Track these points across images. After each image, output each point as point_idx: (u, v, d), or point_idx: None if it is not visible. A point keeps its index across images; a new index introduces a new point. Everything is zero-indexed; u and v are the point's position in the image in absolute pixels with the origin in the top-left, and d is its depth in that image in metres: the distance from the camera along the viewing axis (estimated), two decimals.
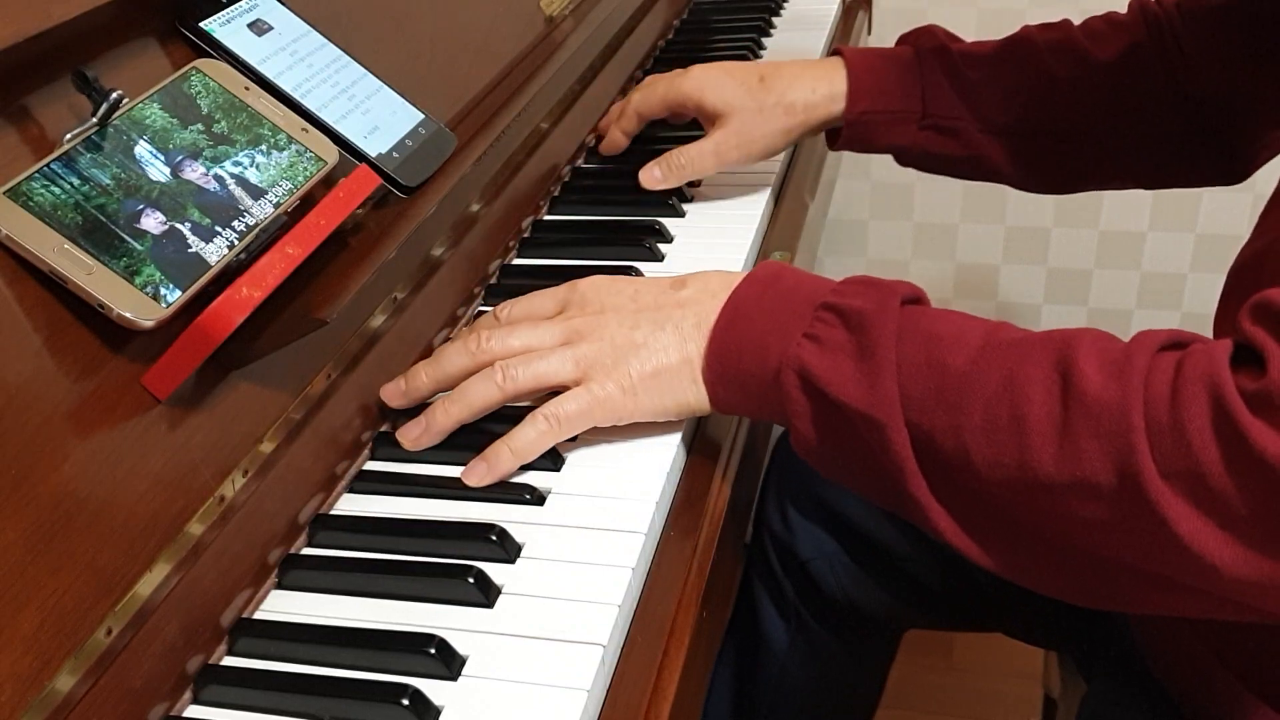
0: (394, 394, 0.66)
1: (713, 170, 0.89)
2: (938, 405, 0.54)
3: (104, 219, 0.53)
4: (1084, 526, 0.51)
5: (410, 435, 0.64)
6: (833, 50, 0.92)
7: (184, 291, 0.53)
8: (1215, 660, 0.67)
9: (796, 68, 0.90)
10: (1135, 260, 1.71)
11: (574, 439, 0.65)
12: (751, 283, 0.63)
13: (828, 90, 0.88)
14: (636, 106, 0.93)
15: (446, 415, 0.63)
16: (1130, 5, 0.89)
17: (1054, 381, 0.51)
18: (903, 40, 0.92)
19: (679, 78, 0.90)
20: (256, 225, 0.58)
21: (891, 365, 0.55)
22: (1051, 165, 0.90)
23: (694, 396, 0.62)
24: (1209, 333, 0.59)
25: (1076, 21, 0.90)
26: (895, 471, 0.55)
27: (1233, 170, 0.87)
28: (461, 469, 0.63)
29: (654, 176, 0.88)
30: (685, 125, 1.02)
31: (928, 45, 0.89)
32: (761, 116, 0.87)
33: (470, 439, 0.64)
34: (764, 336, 0.59)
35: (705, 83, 0.89)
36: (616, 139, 0.95)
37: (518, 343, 0.63)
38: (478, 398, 0.63)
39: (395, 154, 0.70)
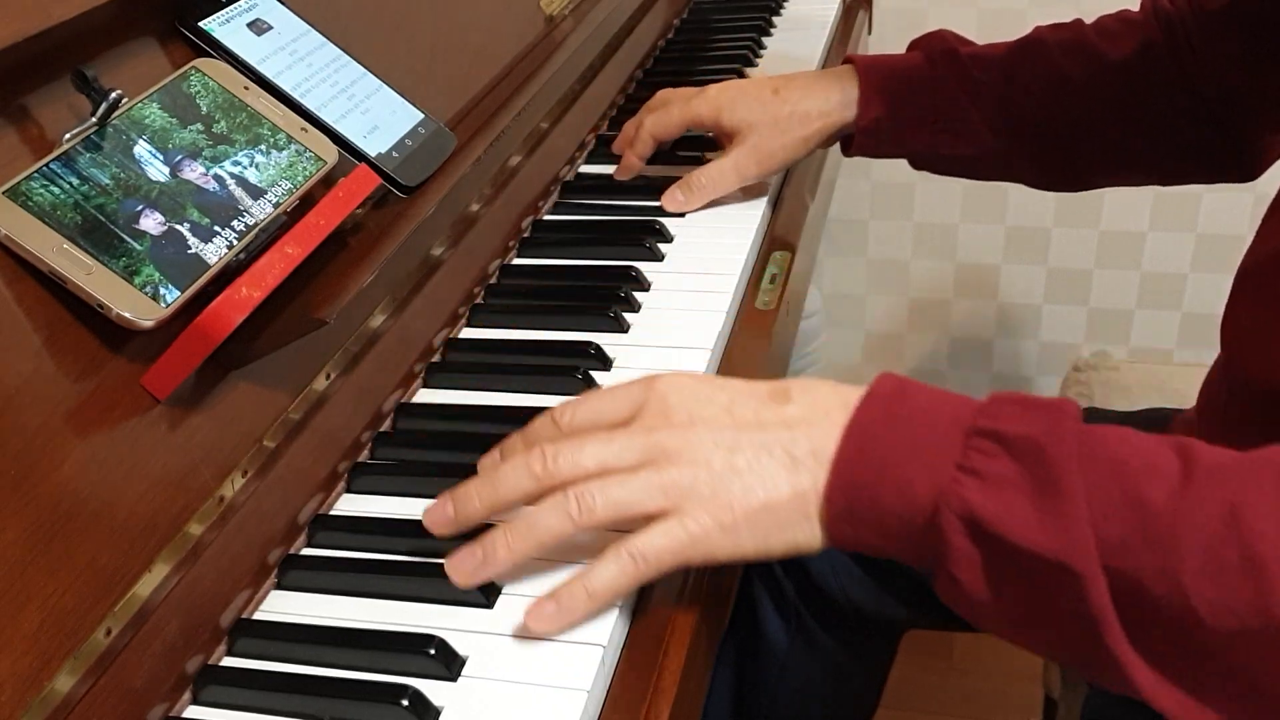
0: (440, 520, 0.56)
1: (735, 188, 0.89)
2: (1143, 548, 0.46)
3: (103, 219, 0.53)
4: None
5: (465, 568, 0.54)
6: (844, 59, 0.92)
7: (183, 291, 0.53)
8: None
9: (809, 78, 0.90)
10: (1135, 260, 1.71)
11: None
12: (874, 402, 0.53)
13: (840, 98, 0.88)
14: (651, 130, 0.92)
15: (510, 550, 0.53)
16: (1142, 4, 0.89)
17: None
18: (913, 46, 0.92)
19: (694, 99, 0.90)
20: (256, 225, 0.58)
21: (1081, 503, 0.47)
22: (1064, 163, 0.91)
23: (805, 535, 0.53)
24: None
25: (1081, 22, 0.90)
26: (1089, 624, 0.47)
27: (1242, 167, 0.87)
28: (458, 476, 0.63)
29: (676, 200, 0.88)
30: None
31: (939, 49, 0.89)
32: (778, 129, 0.88)
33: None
34: (904, 470, 0.50)
35: (721, 102, 0.89)
36: (632, 164, 0.93)
37: (590, 462, 0.53)
38: (547, 533, 0.53)
39: (395, 154, 0.70)
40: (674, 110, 0.91)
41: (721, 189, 0.88)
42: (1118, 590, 0.47)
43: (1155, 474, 0.47)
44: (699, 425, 0.54)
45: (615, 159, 0.99)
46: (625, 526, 0.53)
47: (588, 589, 0.52)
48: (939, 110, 0.88)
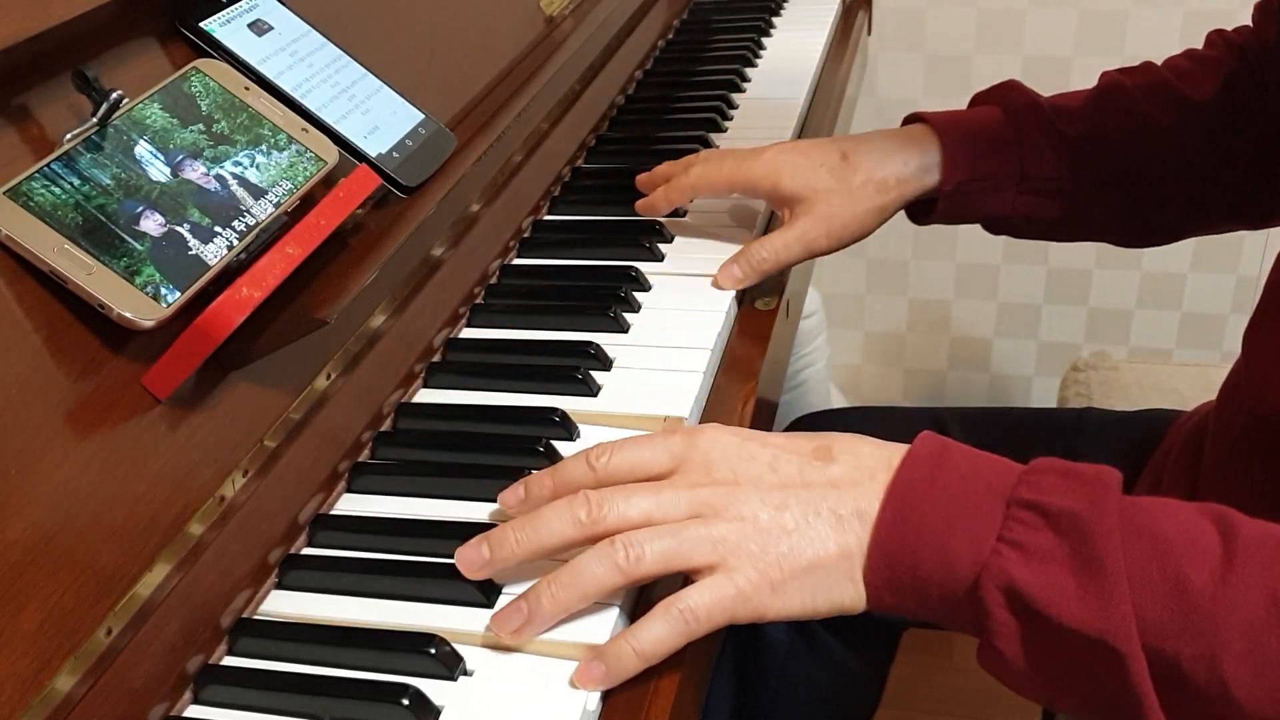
0: (474, 563, 0.54)
1: (800, 261, 0.81)
2: (1184, 631, 0.46)
3: (104, 219, 0.53)
4: None
5: (509, 625, 0.52)
6: (910, 116, 0.86)
7: (184, 292, 0.54)
8: None
9: (881, 140, 0.83)
10: (1135, 260, 1.71)
11: (574, 438, 0.65)
12: (916, 465, 0.53)
13: (920, 162, 0.81)
14: (694, 182, 0.82)
15: (555, 603, 0.52)
16: (1210, 39, 0.86)
17: None
18: (982, 99, 0.87)
19: (749, 160, 0.81)
20: (256, 225, 0.58)
21: (1123, 581, 0.47)
22: (1155, 215, 0.86)
23: (850, 596, 0.53)
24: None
25: (1152, 64, 0.87)
26: (1129, 702, 0.48)
27: None
28: (458, 476, 0.63)
29: (734, 276, 0.78)
30: (689, 121, 1.03)
31: (1017, 103, 0.84)
32: (852, 198, 0.80)
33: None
34: (946, 538, 0.50)
35: (781, 165, 0.80)
36: (659, 205, 0.85)
37: (636, 513, 0.53)
38: (594, 583, 0.52)
39: (395, 154, 0.70)
40: (725, 168, 0.82)
41: (785, 263, 0.80)
42: (1157, 670, 0.47)
43: (1197, 551, 0.47)
44: (744, 483, 0.53)
45: (615, 158, 0.99)
46: (667, 577, 0.53)
47: (636, 649, 0.51)
48: (1027, 170, 0.83)
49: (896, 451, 0.54)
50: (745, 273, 0.79)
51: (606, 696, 0.51)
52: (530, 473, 0.59)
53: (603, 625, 0.53)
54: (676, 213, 0.88)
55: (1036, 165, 0.83)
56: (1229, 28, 0.86)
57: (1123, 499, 0.49)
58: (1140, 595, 0.47)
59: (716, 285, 0.79)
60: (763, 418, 0.75)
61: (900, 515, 0.51)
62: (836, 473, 0.54)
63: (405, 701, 0.49)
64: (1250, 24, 0.84)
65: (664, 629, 0.51)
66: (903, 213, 0.86)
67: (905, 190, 0.82)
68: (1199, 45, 0.87)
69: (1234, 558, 0.46)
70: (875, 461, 0.54)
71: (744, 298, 0.80)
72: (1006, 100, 0.85)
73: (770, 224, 0.90)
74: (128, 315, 0.51)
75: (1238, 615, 0.45)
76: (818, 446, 0.55)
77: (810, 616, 0.53)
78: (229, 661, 0.54)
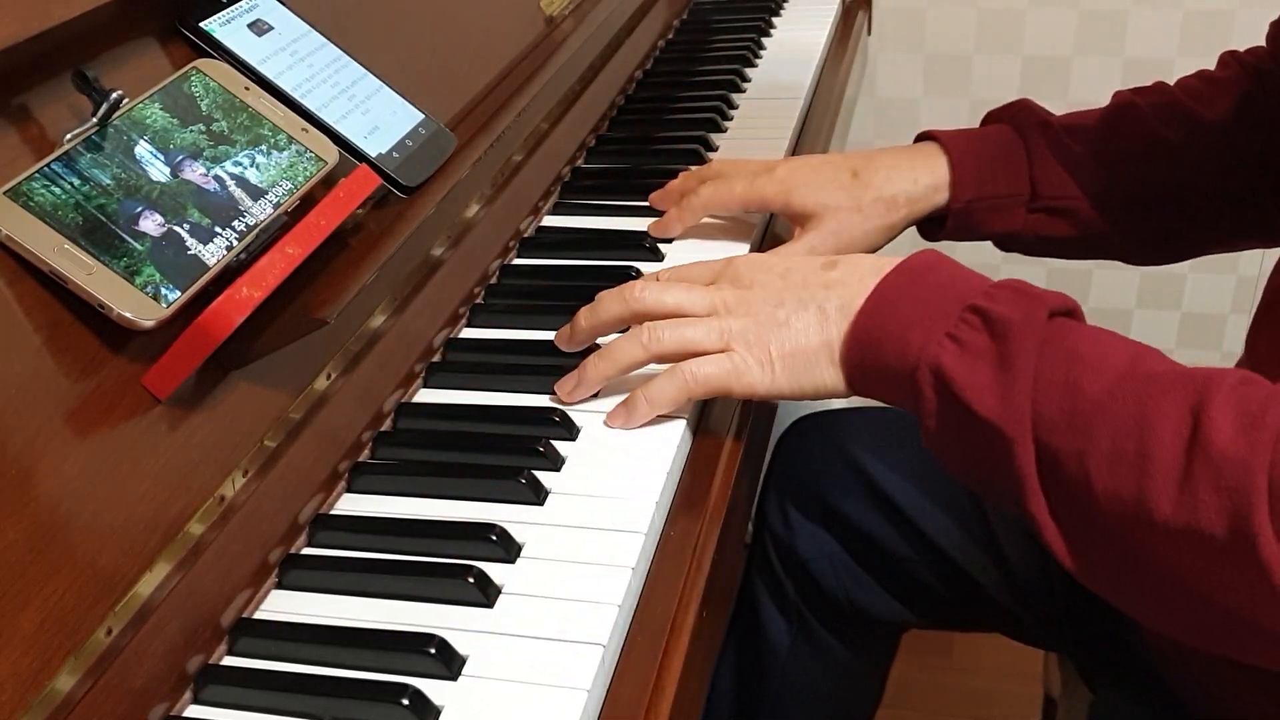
0: (563, 338, 0.69)
1: None
2: (1068, 428, 0.53)
3: (104, 219, 0.53)
4: (1191, 570, 0.51)
5: (566, 388, 0.67)
6: (921, 134, 0.87)
7: (184, 292, 0.54)
8: (1236, 669, 0.67)
9: (891, 157, 0.84)
10: None
11: (575, 437, 0.65)
12: (903, 272, 0.62)
13: (930, 180, 0.83)
14: (706, 202, 0.83)
15: (597, 370, 0.66)
16: (1223, 60, 0.86)
17: (1185, 425, 0.50)
18: (993, 118, 0.88)
19: (761, 178, 0.83)
20: (256, 225, 0.58)
21: (1028, 381, 0.54)
22: (1166, 234, 0.86)
23: (830, 379, 0.62)
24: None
25: (1164, 84, 0.87)
26: (1017, 485, 0.55)
27: None
28: (458, 476, 0.63)
29: None
30: (689, 121, 1.03)
31: (1028, 121, 0.84)
32: (861, 215, 0.82)
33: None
34: (906, 330, 0.59)
35: (793, 182, 0.82)
36: (672, 226, 0.85)
37: (670, 300, 0.65)
38: (625, 357, 0.65)
39: (395, 154, 0.70)
40: (736, 186, 0.83)
41: None
42: (1042, 460, 0.54)
43: (1099, 369, 0.54)
44: (757, 286, 0.65)
45: (615, 158, 0.99)
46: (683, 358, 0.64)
47: (647, 397, 0.64)
48: (1037, 188, 0.83)
49: (893, 261, 0.63)
50: None
51: (606, 697, 0.51)
52: (530, 472, 0.61)
53: (603, 625, 0.53)
54: None
55: (1047, 184, 0.83)
56: (1229, 28, 0.86)
57: (1057, 319, 0.57)
58: (1040, 394, 0.54)
59: None
60: (762, 418, 0.75)
61: (876, 309, 0.61)
62: (834, 275, 0.64)
63: (405, 701, 0.49)
64: (1264, 43, 0.83)
65: (670, 385, 0.63)
66: (909, 229, 0.86)
67: (915, 208, 0.83)
68: (1198, 46, 0.87)
69: (1127, 379, 0.53)
70: (869, 268, 0.63)
71: None
72: (1018, 119, 0.85)
73: (770, 225, 0.90)
74: (128, 315, 0.51)
75: (1110, 421, 0.52)
76: (828, 259, 0.66)
77: (798, 396, 0.63)
78: (229, 661, 0.54)
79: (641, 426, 0.65)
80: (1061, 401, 0.54)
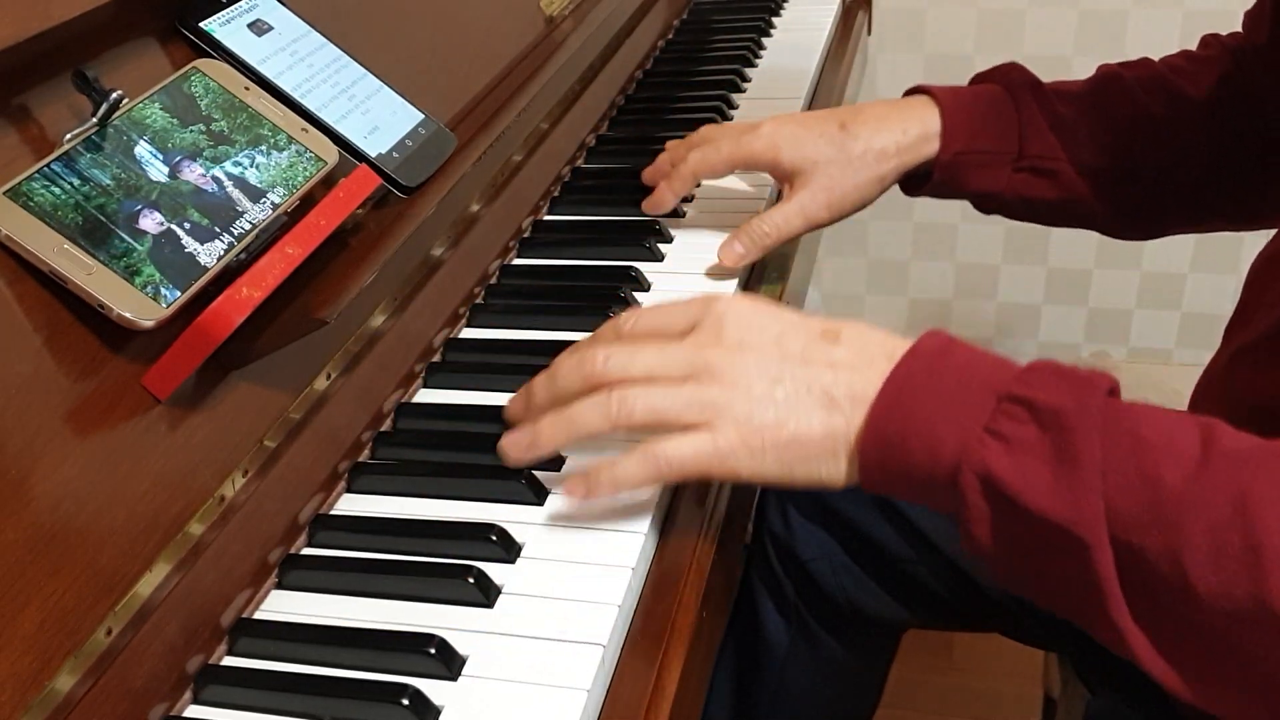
0: (516, 411, 0.61)
1: (801, 234, 0.81)
2: (1152, 524, 0.47)
3: (104, 219, 0.53)
4: None
5: (520, 445, 0.59)
6: (912, 88, 0.86)
7: (184, 292, 0.54)
8: None
9: (879, 109, 0.83)
10: (1135, 260, 1.71)
11: None
12: (917, 357, 0.55)
13: (920, 130, 0.81)
14: (694, 167, 0.82)
15: (551, 435, 0.58)
16: (1205, 41, 0.86)
17: None
18: (982, 78, 0.87)
19: (746, 135, 0.81)
20: (256, 225, 0.58)
21: (1096, 476, 0.48)
22: (1145, 206, 0.86)
23: (829, 471, 0.55)
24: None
25: (1150, 60, 0.87)
26: (1093, 592, 0.49)
27: None
28: (458, 476, 0.63)
29: (735, 252, 0.79)
30: (689, 121, 1.03)
31: (1018, 81, 0.84)
32: (851, 167, 0.80)
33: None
34: (936, 426, 0.52)
35: (779, 139, 0.80)
36: (664, 199, 0.85)
37: (639, 369, 0.57)
38: (586, 425, 0.56)
39: (395, 154, 0.70)
40: (723, 146, 0.81)
41: (787, 236, 0.80)
42: (1123, 562, 0.48)
43: (1173, 453, 0.48)
44: (747, 351, 0.56)
45: (615, 158, 0.99)
46: (659, 432, 0.56)
47: (609, 479, 0.56)
48: (1025, 146, 0.83)
49: (901, 344, 0.56)
50: (747, 247, 0.79)
51: (606, 697, 0.51)
52: (530, 473, 0.60)
53: (603, 624, 0.53)
54: (676, 213, 0.88)
55: (1035, 143, 0.83)
56: (1229, 28, 0.86)
57: (1111, 401, 0.50)
58: (1113, 489, 0.48)
59: (720, 262, 0.79)
60: None
61: (896, 401, 0.53)
62: (839, 355, 0.56)
63: (405, 701, 0.49)
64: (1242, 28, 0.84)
65: (638, 468, 0.55)
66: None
67: (904, 158, 0.81)
68: (1198, 46, 0.87)
69: (1209, 460, 0.48)
70: (878, 350, 0.56)
71: None
72: (1008, 79, 0.85)
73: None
74: (128, 315, 0.51)
75: (1204, 513, 0.46)
76: (827, 329, 0.57)
77: (786, 486, 0.56)
78: (229, 661, 0.54)
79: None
80: (1140, 495, 0.48)
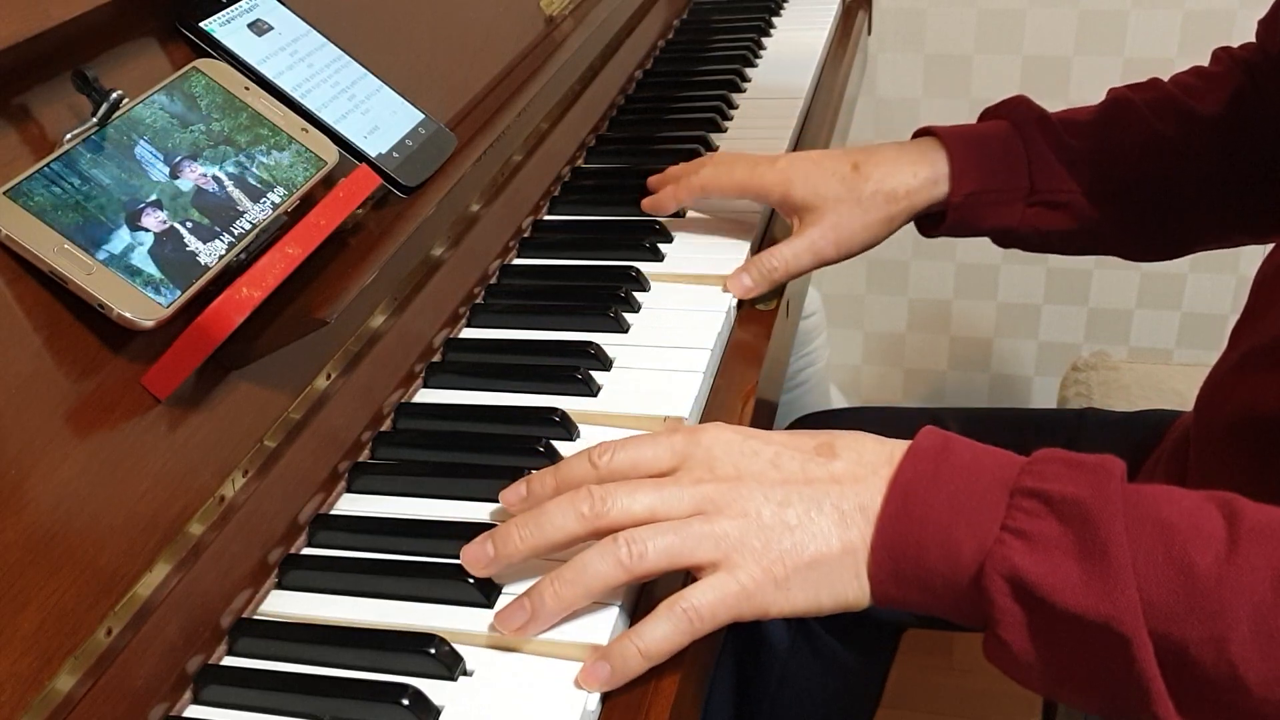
0: (479, 560, 0.55)
1: (809, 270, 0.83)
2: (1190, 614, 0.46)
3: (104, 219, 0.53)
4: None
5: (513, 623, 0.52)
6: (920, 130, 0.87)
7: (184, 291, 0.54)
8: None
9: (891, 151, 0.84)
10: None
11: (574, 438, 0.65)
12: (918, 458, 0.53)
13: (929, 173, 0.82)
14: (704, 183, 0.83)
15: (558, 600, 0.52)
16: (1216, 56, 0.86)
17: None
18: (990, 114, 0.88)
19: (762, 166, 0.82)
20: (256, 225, 0.58)
21: (1128, 567, 0.46)
22: (1162, 229, 0.86)
23: (855, 591, 0.53)
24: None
25: (1159, 80, 0.87)
26: (1136, 688, 0.47)
27: None
28: (458, 476, 0.63)
29: (744, 285, 0.79)
30: (689, 121, 1.03)
31: (1025, 117, 0.84)
32: (860, 208, 0.81)
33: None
34: (949, 529, 0.50)
35: (793, 174, 0.82)
36: (666, 202, 0.86)
37: (640, 508, 0.53)
38: (597, 579, 0.52)
39: (395, 154, 0.70)
40: (737, 171, 0.83)
41: (795, 272, 0.81)
42: (1164, 655, 0.46)
43: (1201, 536, 0.47)
44: (746, 479, 0.54)
45: (615, 158, 0.99)
46: (668, 573, 0.53)
47: (640, 649, 0.51)
48: (1035, 182, 0.83)
49: (899, 447, 0.54)
50: (756, 281, 0.80)
51: (606, 697, 0.51)
52: (530, 472, 0.59)
53: (603, 624, 0.53)
54: (677, 213, 0.88)
55: (1045, 178, 0.83)
56: (1229, 28, 0.86)
57: (1126, 486, 0.49)
58: (1145, 580, 0.46)
59: (727, 292, 0.79)
60: (763, 417, 0.75)
61: (903, 509, 0.51)
62: (839, 468, 0.54)
63: (405, 701, 0.49)
64: (1254, 39, 0.84)
65: (668, 628, 0.51)
66: (909, 228, 0.86)
67: (914, 201, 0.82)
68: (1198, 46, 0.87)
69: (1238, 540, 0.46)
70: (877, 457, 0.54)
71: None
72: (1015, 114, 0.85)
73: (770, 224, 0.90)
74: (128, 315, 0.51)
75: (1244, 597, 0.45)
76: (820, 443, 0.55)
77: (815, 613, 0.53)
78: (229, 661, 0.54)
79: (631, 434, 0.58)
80: (1174, 584, 0.46)
